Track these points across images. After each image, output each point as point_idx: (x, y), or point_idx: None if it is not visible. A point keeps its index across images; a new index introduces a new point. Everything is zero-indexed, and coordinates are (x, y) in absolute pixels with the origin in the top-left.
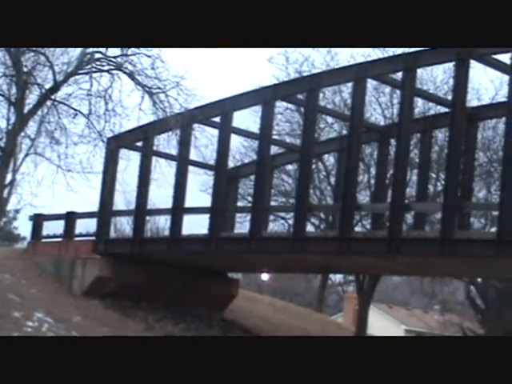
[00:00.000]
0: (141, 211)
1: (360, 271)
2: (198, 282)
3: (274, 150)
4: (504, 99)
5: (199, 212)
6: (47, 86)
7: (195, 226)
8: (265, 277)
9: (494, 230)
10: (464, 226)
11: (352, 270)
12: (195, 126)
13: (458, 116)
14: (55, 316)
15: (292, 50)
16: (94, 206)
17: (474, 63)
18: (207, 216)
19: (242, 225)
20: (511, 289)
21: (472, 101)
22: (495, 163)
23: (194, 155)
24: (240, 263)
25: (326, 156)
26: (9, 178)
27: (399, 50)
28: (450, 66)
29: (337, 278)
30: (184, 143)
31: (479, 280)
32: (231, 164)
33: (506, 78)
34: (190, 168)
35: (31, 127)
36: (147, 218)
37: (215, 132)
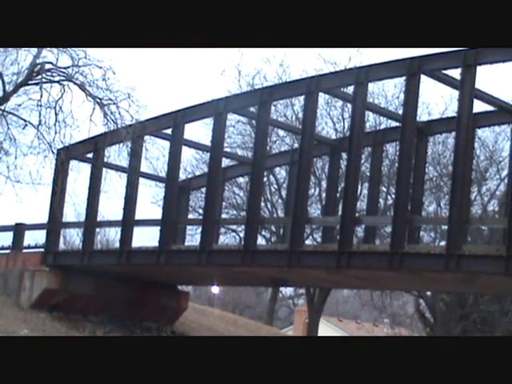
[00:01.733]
0: (91, 223)
1: (310, 284)
2: (148, 295)
3: (225, 162)
4: (454, 114)
5: (150, 224)
6: None
7: (146, 238)
8: (215, 290)
9: (443, 243)
10: (414, 240)
11: (302, 283)
12: (146, 137)
13: (409, 130)
14: (1, 329)
15: (244, 63)
16: (43, 218)
17: (424, 78)
18: (158, 228)
19: (193, 237)
20: (460, 302)
21: (422, 115)
22: (445, 177)
23: (144, 167)
24: (190, 276)
25: (277, 169)
26: None
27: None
28: (401, 80)
29: (287, 291)
30: (135, 155)
31: (428, 293)
32: (182, 176)
33: (455, 93)
34: (141, 180)
35: None
36: (97, 229)
37: (166, 144)
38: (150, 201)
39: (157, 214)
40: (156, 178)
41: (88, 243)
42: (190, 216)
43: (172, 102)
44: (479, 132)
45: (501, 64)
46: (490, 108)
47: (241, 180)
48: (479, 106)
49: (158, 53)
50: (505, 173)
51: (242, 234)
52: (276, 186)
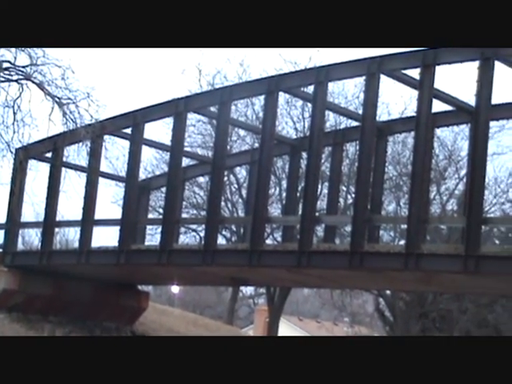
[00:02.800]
0: (49, 223)
1: (271, 284)
2: (108, 295)
3: (185, 161)
4: (413, 114)
5: (109, 224)
6: None
7: (105, 238)
8: (175, 289)
9: (402, 242)
10: (373, 239)
11: (263, 282)
12: (106, 137)
13: (368, 130)
14: None
15: (205, 62)
16: (1, 218)
17: (384, 78)
18: (117, 228)
19: (153, 237)
20: (419, 301)
21: (382, 115)
22: (404, 177)
23: (104, 167)
24: (150, 276)
25: (237, 168)
26: None
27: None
28: (361, 80)
29: (248, 290)
30: (94, 154)
31: (388, 292)
32: (142, 176)
33: (415, 93)
34: (101, 179)
35: None
36: (56, 229)
37: (126, 143)
38: (110, 200)
39: (117, 213)
40: (116, 178)
41: (47, 243)
42: (150, 216)
43: (132, 102)
44: (438, 132)
45: (459, 64)
46: (448, 108)
47: (201, 179)
48: (438, 106)
49: (118, 52)
50: (463, 172)
51: (202, 234)
52: (236, 186)
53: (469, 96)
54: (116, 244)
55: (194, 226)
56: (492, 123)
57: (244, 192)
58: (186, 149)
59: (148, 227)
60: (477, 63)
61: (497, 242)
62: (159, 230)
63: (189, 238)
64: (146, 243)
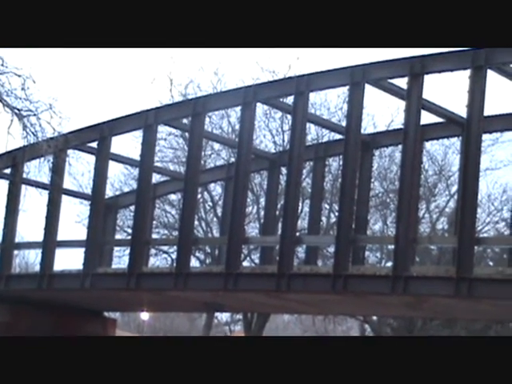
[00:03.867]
0: (8, 245)
1: (248, 309)
2: (71, 322)
3: (156, 178)
4: (400, 126)
5: (73, 245)
6: None
7: (69, 260)
8: (145, 316)
9: (390, 264)
10: (358, 261)
11: (239, 308)
12: (70, 151)
13: (353, 143)
14: None
15: (177, 71)
16: None
17: (369, 88)
18: (82, 250)
19: (121, 259)
20: (408, 327)
21: (367, 127)
22: (391, 193)
23: (68, 183)
24: (118, 301)
25: (212, 185)
26: None
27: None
28: (345, 90)
29: (223, 316)
30: (57, 170)
31: (374, 318)
32: (109, 193)
33: (402, 103)
34: (64, 197)
35: None
36: (15, 252)
37: (92, 158)
38: (74, 220)
39: (81, 234)
40: (80, 196)
41: (5, 266)
42: (118, 236)
43: (98, 114)
44: (427, 145)
45: (449, 73)
46: (438, 120)
47: (173, 197)
48: (427, 118)
49: (83, 60)
50: (454, 188)
51: (174, 256)
52: (211, 204)
53: (460, 107)
54: (80, 267)
55: (165, 248)
56: (485, 136)
57: (219, 210)
58: (157, 164)
59: (115, 249)
60: (468, 72)
61: (491, 263)
62: (127, 251)
63: (159, 260)
64: (113, 266)
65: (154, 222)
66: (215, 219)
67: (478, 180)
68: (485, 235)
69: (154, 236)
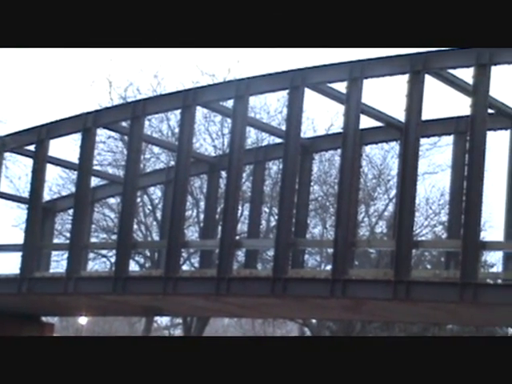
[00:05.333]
0: None
1: (187, 313)
2: (7, 327)
3: (94, 181)
4: (340, 130)
5: (10, 250)
6: None
7: (5, 265)
8: (83, 320)
9: (329, 268)
10: (298, 264)
11: (179, 311)
12: (7, 154)
13: (292, 147)
14: None
15: (116, 74)
16: None
17: (308, 92)
18: (19, 254)
19: (59, 264)
20: (347, 330)
21: (307, 131)
22: (331, 197)
23: (5, 187)
24: (55, 306)
25: (151, 189)
26: None
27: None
28: (284, 94)
29: (163, 320)
30: None
31: (313, 321)
32: (47, 197)
33: (341, 108)
34: (1, 201)
35: None
36: None
37: (29, 161)
38: (11, 224)
39: (18, 238)
40: (17, 199)
41: None
42: (56, 240)
43: (36, 116)
44: (367, 149)
45: (388, 77)
46: (377, 124)
47: (112, 201)
48: (366, 122)
49: (20, 61)
50: (393, 192)
51: (113, 260)
52: (150, 207)
53: (398, 111)
54: (17, 271)
55: (104, 252)
56: (423, 140)
57: (159, 214)
58: (96, 167)
59: (53, 253)
60: (406, 77)
61: (429, 266)
62: (65, 255)
63: (98, 264)
64: (51, 270)
65: (93, 226)
66: (155, 223)
67: (415, 184)
68: (423, 238)
69: (93, 240)
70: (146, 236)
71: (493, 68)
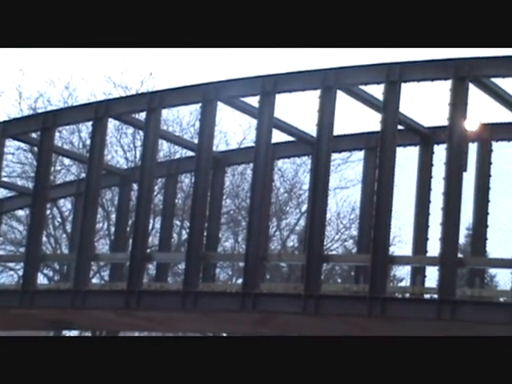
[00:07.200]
0: None
1: (97, 327)
2: None
3: (2, 193)
4: (252, 144)
5: None
6: None
7: None
8: None
9: (240, 281)
10: (209, 278)
11: (88, 325)
12: None
13: (204, 160)
14: None
15: (26, 84)
16: None
17: (221, 105)
18: None
19: None
20: None
21: (220, 145)
22: (243, 211)
23: None
24: None
25: (61, 201)
26: None
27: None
28: (197, 107)
29: (72, 334)
30: None
31: (224, 335)
32: None
33: (254, 121)
34: None
35: None
36: None
37: None
38: None
39: None
40: None
41: None
42: None
43: None
44: (279, 163)
45: (300, 92)
46: (289, 138)
47: (20, 213)
48: (279, 136)
49: None
50: (305, 207)
51: (20, 273)
52: (60, 220)
53: (311, 126)
54: None
55: (11, 264)
56: (334, 155)
57: (68, 227)
58: (4, 179)
59: None
60: (318, 92)
61: (339, 280)
62: None
63: (5, 277)
64: None
65: (1, 239)
66: (64, 235)
67: (326, 198)
68: (333, 253)
69: (0, 253)
70: (56, 249)
71: (403, 85)
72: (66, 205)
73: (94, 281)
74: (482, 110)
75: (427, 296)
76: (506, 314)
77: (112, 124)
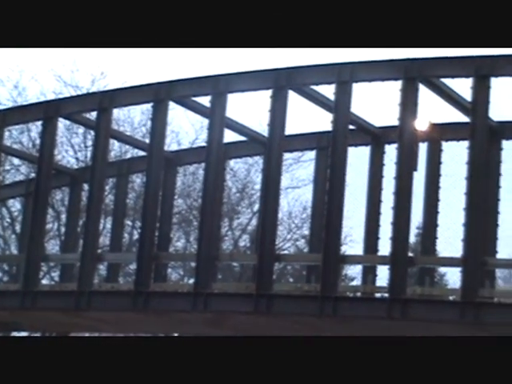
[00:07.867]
0: None
1: (47, 328)
2: None
3: None
4: (204, 144)
5: None
6: None
7: None
8: None
9: (192, 281)
10: (160, 278)
11: (38, 327)
12: None
13: (156, 160)
14: None
15: None
16: None
17: (173, 105)
18: None
19: None
20: None
21: (171, 144)
22: (195, 211)
23: None
24: None
25: (11, 201)
26: None
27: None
28: (149, 106)
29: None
30: None
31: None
32: None
33: (206, 121)
34: None
35: None
36: None
37: None
38: None
39: None
40: None
41: None
42: None
43: None
44: (231, 163)
45: (252, 92)
46: (241, 138)
47: None
48: (231, 136)
49: None
50: (257, 206)
51: None
52: (9, 220)
53: (262, 126)
54: None
55: None
56: (286, 155)
57: (18, 227)
58: None
59: None
60: (270, 92)
61: (291, 280)
62: None
63: None
64: None
65: None
66: (13, 236)
67: (278, 198)
68: (285, 252)
69: None
70: (5, 249)
71: (354, 85)
72: (15, 205)
73: (44, 282)
74: (432, 110)
75: (378, 295)
76: (456, 313)
77: (62, 123)
